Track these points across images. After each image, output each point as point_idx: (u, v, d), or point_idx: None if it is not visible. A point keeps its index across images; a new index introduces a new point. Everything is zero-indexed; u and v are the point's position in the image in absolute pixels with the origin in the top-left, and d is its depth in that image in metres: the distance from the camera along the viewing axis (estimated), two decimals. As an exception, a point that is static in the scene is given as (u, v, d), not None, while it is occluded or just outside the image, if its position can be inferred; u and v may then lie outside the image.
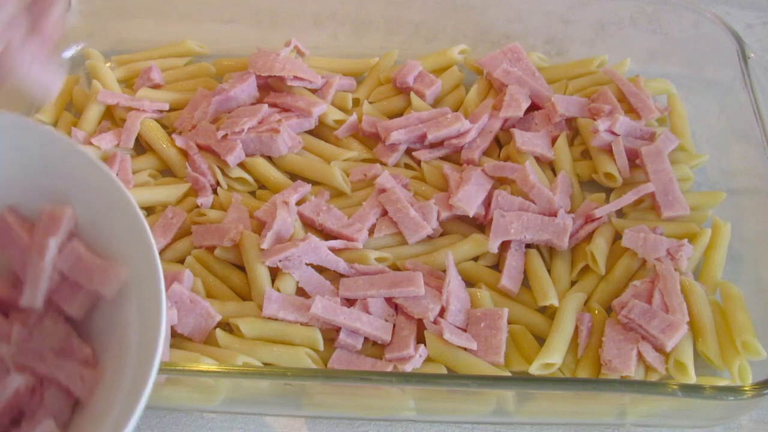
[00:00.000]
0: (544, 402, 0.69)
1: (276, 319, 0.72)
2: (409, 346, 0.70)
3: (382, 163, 0.86)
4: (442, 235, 0.81)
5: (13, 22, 0.55)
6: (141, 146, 0.88)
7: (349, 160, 0.87)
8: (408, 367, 0.69)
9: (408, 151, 0.88)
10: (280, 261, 0.74)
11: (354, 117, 0.89)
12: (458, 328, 0.71)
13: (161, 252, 0.79)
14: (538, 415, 0.72)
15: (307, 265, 0.74)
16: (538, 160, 0.85)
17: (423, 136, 0.86)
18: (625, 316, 0.71)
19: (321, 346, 0.71)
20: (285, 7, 1.00)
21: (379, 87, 0.94)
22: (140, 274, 0.53)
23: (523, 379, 0.69)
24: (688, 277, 0.74)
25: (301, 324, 0.72)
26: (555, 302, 0.73)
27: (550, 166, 0.87)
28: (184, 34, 0.98)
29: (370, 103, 0.92)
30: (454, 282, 0.73)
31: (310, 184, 0.83)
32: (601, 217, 0.79)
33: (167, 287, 0.71)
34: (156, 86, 0.93)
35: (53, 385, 0.53)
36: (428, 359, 0.71)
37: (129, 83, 0.95)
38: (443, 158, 0.87)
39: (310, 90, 0.91)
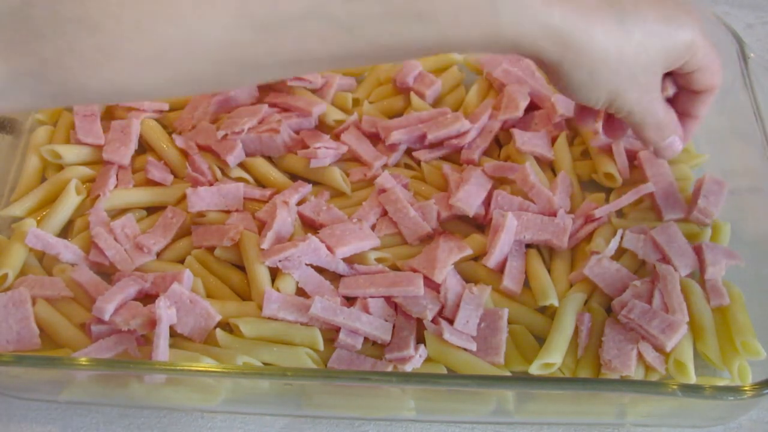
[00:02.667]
0: (544, 402, 0.69)
1: (276, 319, 0.72)
2: (409, 346, 0.70)
3: (382, 163, 0.86)
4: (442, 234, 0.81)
5: None
6: (141, 146, 0.88)
7: (349, 160, 0.87)
8: (408, 367, 0.69)
9: (408, 151, 0.88)
10: (280, 261, 0.74)
11: (354, 117, 0.89)
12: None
13: (161, 252, 0.79)
14: (538, 415, 0.72)
15: (307, 265, 0.74)
16: (538, 160, 0.85)
17: (423, 136, 0.86)
18: (625, 316, 0.71)
19: (321, 346, 0.71)
20: (285, 7, 0.99)
21: (379, 87, 0.94)
22: None
23: (523, 379, 0.69)
24: (687, 278, 0.75)
25: (301, 324, 0.72)
26: (555, 302, 0.73)
27: (550, 166, 0.87)
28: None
29: (370, 103, 0.92)
30: (451, 281, 0.73)
31: (311, 184, 0.83)
32: (601, 217, 0.79)
33: (167, 287, 0.71)
34: (156, 86, 0.92)
35: None
36: (428, 359, 0.71)
37: (129, 83, 0.95)
38: (443, 158, 0.87)
39: (310, 90, 0.91)
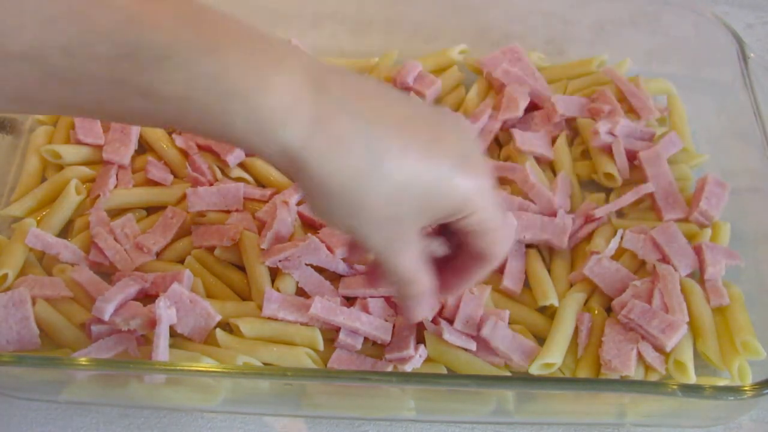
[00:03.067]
0: (544, 402, 0.69)
1: (276, 319, 0.72)
2: (409, 346, 0.70)
3: (382, 163, 0.86)
4: (442, 235, 0.81)
5: None
6: (141, 146, 0.88)
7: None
8: (408, 367, 0.69)
9: (408, 151, 0.88)
10: (280, 261, 0.74)
11: (354, 117, 0.89)
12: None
13: (161, 252, 0.79)
14: (538, 415, 0.72)
15: (307, 265, 0.74)
16: (538, 160, 0.85)
17: (423, 136, 0.85)
18: (625, 316, 0.71)
19: (321, 346, 0.71)
20: (285, 7, 0.99)
21: (379, 87, 0.94)
22: None
23: (523, 379, 0.69)
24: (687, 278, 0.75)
25: (301, 324, 0.72)
26: (555, 302, 0.73)
27: (550, 166, 0.87)
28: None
29: (370, 103, 0.92)
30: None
31: (310, 184, 0.83)
32: (601, 217, 0.79)
33: (167, 287, 0.71)
34: (156, 86, 0.92)
35: None
36: (428, 359, 0.71)
37: (129, 83, 0.95)
38: (443, 158, 0.87)
39: (310, 90, 0.91)
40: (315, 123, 0.46)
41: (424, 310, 0.58)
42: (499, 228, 0.54)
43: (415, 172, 0.49)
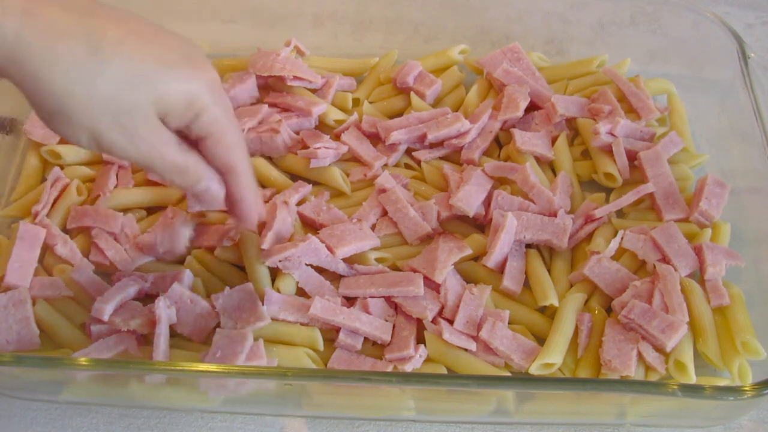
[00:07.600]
0: (544, 402, 0.69)
1: (276, 320, 0.72)
2: (409, 347, 0.70)
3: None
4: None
5: None
6: (141, 146, 0.87)
7: (349, 160, 0.87)
8: (408, 367, 0.69)
9: (408, 151, 0.88)
10: (280, 261, 0.74)
11: (354, 117, 0.89)
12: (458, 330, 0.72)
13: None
14: (538, 415, 0.72)
15: (307, 265, 0.74)
16: (538, 160, 0.85)
17: (423, 136, 0.86)
18: (625, 316, 0.71)
19: (321, 346, 0.71)
20: (285, 7, 1.00)
21: (379, 87, 0.94)
22: None
23: (523, 379, 0.69)
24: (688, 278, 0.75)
25: (301, 324, 0.72)
26: (555, 302, 0.73)
27: (550, 166, 0.87)
28: (184, 34, 0.97)
29: (370, 103, 0.92)
30: (451, 281, 0.73)
31: (311, 184, 0.83)
32: (601, 218, 0.79)
33: (167, 287, 0.71)
34: (156, 86, 0.92)
35: None
36: (428, 359, 0.71)
37: (129, 83, 0.95)
38: (443, 158, 0.87)
39: (310, 90, 0.91)
40: (25, 14, 0.47)
41: (215, 196, 0.61)
42: (229, 131, 0.57)
43: (140, 62, 0.51)
